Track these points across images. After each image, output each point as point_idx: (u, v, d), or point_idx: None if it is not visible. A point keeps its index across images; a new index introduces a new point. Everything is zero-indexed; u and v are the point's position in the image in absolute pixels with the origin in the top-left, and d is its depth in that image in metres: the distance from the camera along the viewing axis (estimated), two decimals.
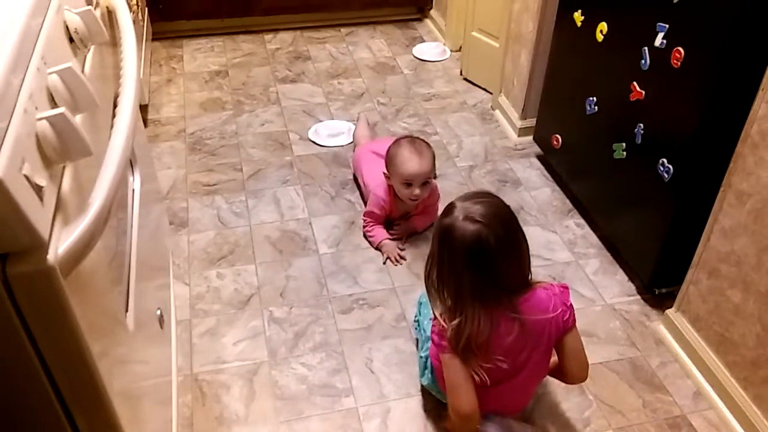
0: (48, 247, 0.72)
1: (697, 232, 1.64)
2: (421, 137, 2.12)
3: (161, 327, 1.37)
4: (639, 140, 1.79)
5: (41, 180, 0.72)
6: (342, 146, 2.51)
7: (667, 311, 1.80)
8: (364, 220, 2.09)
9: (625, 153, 1.87)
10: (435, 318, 1.40)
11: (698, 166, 1.63)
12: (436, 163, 2.04)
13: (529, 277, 1.40)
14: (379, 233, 2.06)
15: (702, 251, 1.63)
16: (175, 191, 2.28)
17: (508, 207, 1.36)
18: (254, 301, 1.89)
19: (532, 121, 2.46)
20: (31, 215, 0.69)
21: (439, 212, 1.44)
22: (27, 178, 0.70)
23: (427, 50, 3.14)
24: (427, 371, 1.55)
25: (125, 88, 0.99)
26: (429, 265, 1.39)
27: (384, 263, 2.01)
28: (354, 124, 2.57)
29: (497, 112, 2.71)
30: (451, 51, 3.14)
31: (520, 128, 2.53)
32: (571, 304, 1.41)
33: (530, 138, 2.47)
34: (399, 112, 2.71)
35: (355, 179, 2.30)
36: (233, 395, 1.65)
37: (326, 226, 2.15)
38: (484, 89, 2.85)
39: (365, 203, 2.15)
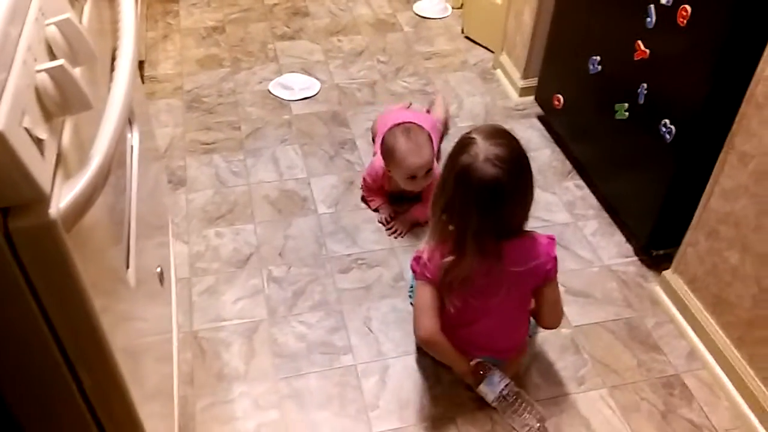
0: (50, 201, 0.71)
1: (696, 195, 1.64)
2: (411, 124, 1.97)
3: (161, 284, 1.38)
4: (642, 100, 1.78)
5: (42, 133, 0.71)
6: (313, 96, 2.50)
7: (664, 272, 1.81)
8: (362, 187, 2.08)
9: (627, 113, 1.85)
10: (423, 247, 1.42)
11: (701, 127, 1.61)
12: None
13: (524, 225, 1.41)
14: (375, 200, 2.05)
15: (701, 213, 1.63)
16: (172, 149, 2.26)
17: (525, 151, 1.36)
18: (253, 260, 1.90)
19: (533, 81, 2.43)
20: (33, 168, 0.68)
21: None
22: (27, 131, 0.69)
23: (427, 7, 3.08)
24: None
25: (123, 42, 0.97)
26: (437, 196, 1.38)
27: (386, 231, 2.00)
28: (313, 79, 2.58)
29: (498, 72, 2.67)
30: (453, 8, 3.08)
31: (522, 88, 2.51)
32: (555, 257, 1.42)
33: (531, 98, 2.44)
34: (399, 71, 2.68)
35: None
36: (233, 352, 1.67)
37: (325, 186, 2.14)
38: (486, 48, 2.81)
39: None
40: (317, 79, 2.60)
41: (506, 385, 1.50)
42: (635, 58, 1.76)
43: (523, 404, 1.50)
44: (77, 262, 0.76)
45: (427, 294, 1.43)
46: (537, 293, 1.46)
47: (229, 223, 2.01)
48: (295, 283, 1.84)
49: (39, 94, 0.73)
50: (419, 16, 3.04)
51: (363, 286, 1.84)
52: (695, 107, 1.59)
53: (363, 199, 2.08)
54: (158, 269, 1.37)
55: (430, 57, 2.77)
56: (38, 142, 0.70)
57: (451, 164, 1.35)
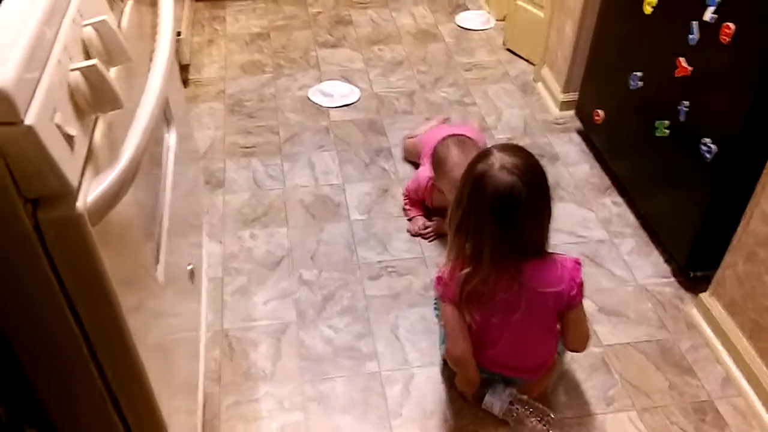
0: (77, 194, 0.74)
1: (736, 216, 1.59)
2: (464, 137, 1.97)
3: (192, 282, 1.40)
4: (683, 118, 1.74)
5: (72, 130, 0.74)
6: (352, 104, 2.52)
7: (701, 295, 1.76)
8: (404, 196, 2.07)
9: (667, 131, 1.82)
10: (444, 265, 1.42)
11: (742, 147, 1.57)
12: None
13: (545, 246, 1.39)
14: (412, 210, 2.04)
15: (741, 234, 1.58)
16: (213, 151, 2.31)
17: (543, 167, 1.34)
18: (285, 263, 1.92)
19: (574, 95, 2.40)
20: (61, 162, 0.70)
21: None
22: (58, 127, 0.71)
23: (470, 18, 3.08)
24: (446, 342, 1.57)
25: (160, 44, 0.99)
26: (453, 208, 1.37)
27: (414, 235, 2.01)
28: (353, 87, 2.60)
29: (539, 85, 2.65)
30: (496, 20, 3.08)
31: (562, 102, 2.48)
32: (580, 282, 1.39)
33: (572, 112, 2.42)
34: (438, 81, 2.68)
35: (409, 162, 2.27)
36: (260, 353, 1.69)
37: (359, 192, 2.15)
38: (527, 60, 2.80)
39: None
40: (357, 87, 2.62)
41: (510, 394, 1.48)
42: (676, 75, 1.73)
43: (532, 411, 1.48)
44: (103, 254, 0.79)
45: (455, 314, 1.41)
46: (562, 317, 1.43)
47: (263, 226, 2.03)
48: (325, 287, 1.85)
49: (72, 92, 0.76)
50: (461, 27, 3.04)
51: (392, 293, 1.84)
52: (737, 126, 1.55)
53: (404, 210, 2.07)
54: (189, 267, 1.39)
55: (470, 68, 2.77)
56: (68, 138, 0.73)
57: (466, 174, 1.35)
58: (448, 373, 1.64)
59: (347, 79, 2.67)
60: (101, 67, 0.77)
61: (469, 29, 3.03)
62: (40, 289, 0.78)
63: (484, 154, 1.33)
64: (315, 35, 2.97)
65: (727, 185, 1.64)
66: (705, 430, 1.55)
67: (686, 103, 1.72)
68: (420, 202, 2.04)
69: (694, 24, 1.63)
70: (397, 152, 2.31)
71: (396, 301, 1.82)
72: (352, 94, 2.57)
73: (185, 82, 2.63)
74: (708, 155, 1.65)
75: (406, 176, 2.20)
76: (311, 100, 2.55)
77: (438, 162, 1.90)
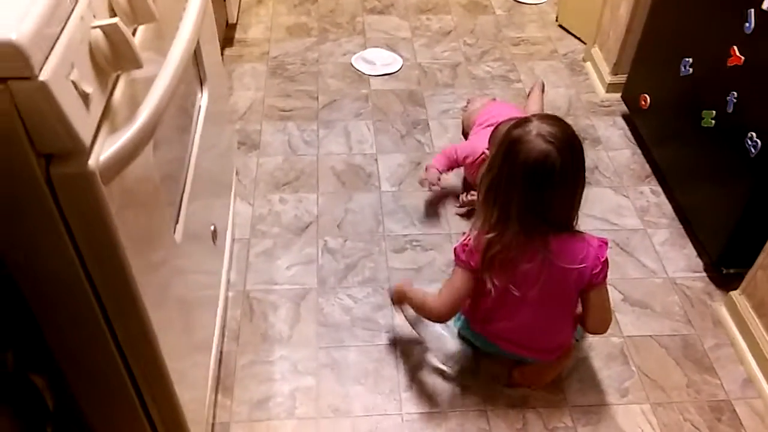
0: (90, 152, 0.75)
1: None
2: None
3: (214, 242, 1.43)
4: (730, 109, 1.67)
5: (88, 87, 0.75)
6: (394, 73, 2.48)
7: (731, 293, 1.71)
8: (443, 152, 2.00)
9: (713, 121, 1.75)
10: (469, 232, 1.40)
11: None
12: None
13: (574, 222, 1.36)
14: (437, 161, 1.97)
15: None
16: (251, 113, 2.33)
17: (581, 142, 1.31)
18: (311, 229, 1.93)
19: (622, 78, 2.33)
20: (74, 120, 0.72)
21: None
22: (74, 83, 0.72)
23: None
24: (462, 317, 1.57)
25: (190, 4, 1.00)
26: (484, 174, 1.35)
27: (420, 183, 1.97)
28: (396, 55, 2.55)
29: (588, 64, 2.58)
30: None
31: (609, 84, 2.41)
32: (605, 260, 1.36)
33: (618, 95, 2.34)
34: (484, 55, 2.63)
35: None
36: (279, 316, 1.71)
37: (392, 164, 2.14)
38: (578, 38, 2.71)
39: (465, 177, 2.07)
40: (400, 56, 2.59)
41: None
42: (728, 64, 1.65)
43: None
44: (114, 212, 0.80)
45: (465, 279, 1.41)
46: (583, 296, 1.41)
47: (293, 190, 2.05)
48: (348, 256, 1.86)
49: (92, 50, 0.77)
50: (515, 0, 2.96)
51: (414, 267, 1.84)
52: None
53: (435, 162, 1.98)
54: (212, 227, 1.42)
55: (519, 43, 2.71)
56: (84, 96, 0.74)
57: (502, 138, 1.32)
58: (465, 351, 1.64)
59: (391, 48, 2.64)
60: (122, 25, 0.78)
61: (522, 2, 2.95)
62: (52, 243, 0.81)
63: (523, 121, 1.30)
64: (363, 1, 2.93)
65: None
66: (720, 430, 1.52)
67: (735, 94, 1.65)
68: (453, 166, 1.99)
69: (751, 12, 1.55)
70: (434, 125, 2.29)
71: (418, 275, 1.82)
72: (394, 63, 2.54)
73: (231, 41, 2.65)
74: (753, 150, 1.58)
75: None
76: (353, 67, 2.53)
77: (498, 138, 1.84)
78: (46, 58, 0.69)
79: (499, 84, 2.48)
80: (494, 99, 2.33)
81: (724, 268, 1.80)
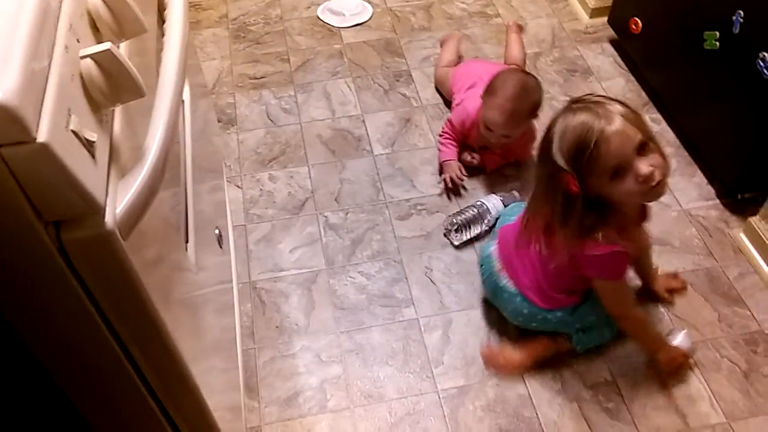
0: (104, 209, 0.64)
1: None
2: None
3: (220, 247, 1.32)
4: (737, 30, 1.58)
5: (91, 133, 0.62)
6: (365, 22, 2.34)
7: (750, 218, 1.67)
8: (442, 129, 1.88)
9: (718, 43, 1.66)
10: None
11: None
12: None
13: None
14: (449, 151, 1.85)
15: None
16: (220, 85, 2.16)
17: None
18: (309, 206, 1.82)
19: (607, 1, 2.21)
20: (84, 178, 0.60)
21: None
22: (75, 133, 0.60)
23: None
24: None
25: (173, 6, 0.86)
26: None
27: (439, 183, 1.86)
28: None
29: None
30: None
31: (593, 8, 2.29)
32: (592, 256, 1.28)
33: (604, 19, 2.23)
34: None
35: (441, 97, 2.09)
36: (292, 304, 1.63)
37: (380, 123, 2.02)
38: None
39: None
40: (368, 2, 2.42)
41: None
42: None
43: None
44: (139, 268, 0.69)
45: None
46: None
47: (282, 166, 1.92)
48: (352, 230, 1.77)
49: (85, 85, 0.64)
50: None
51: (423, 233, 1.76)
52: None
53: (439, 150, 1.89)
54: (216, 231, 1.30)
55: None
56: (89, 145, 0.62)
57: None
58: (489, 317, 1.58)
59: None
60: (116, 50, 0.65)
61: None
62: (71, 311, 0.69)
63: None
64: None
65: None
66: (757, 362, 1.50)
67: (741, 12, 1.56)
68: (459, 139, 1.87)
69: None
70: (418, 75, 2.16)
71: (428, 242, 1.74)
72: (364, 12, 2.38)
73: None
74: (766, 71, 1.51)
75: (429, 103, 2.06)
76: (321, 20, 2.36)
77: (491, 88, 1.73)
78: (39, 110, 0.56)
79: (478, 21, 2.34)
80: (461, 58, 2.16)
81: (740, 194, 1.76)
